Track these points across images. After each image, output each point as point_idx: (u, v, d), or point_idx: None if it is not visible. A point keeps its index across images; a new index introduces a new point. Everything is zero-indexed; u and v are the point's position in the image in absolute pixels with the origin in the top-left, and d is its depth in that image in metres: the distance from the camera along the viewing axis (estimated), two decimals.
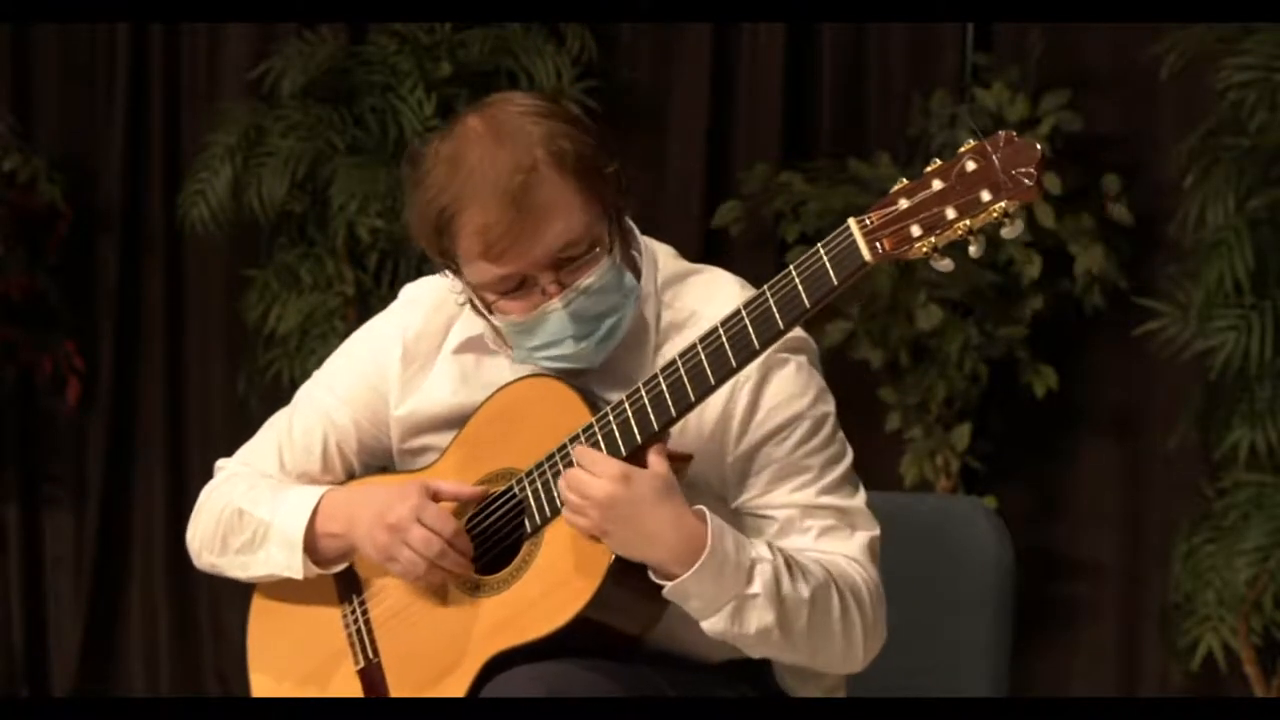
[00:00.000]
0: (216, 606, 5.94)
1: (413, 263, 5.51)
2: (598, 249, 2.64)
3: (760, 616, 2.58)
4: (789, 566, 2.60)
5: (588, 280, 2.64)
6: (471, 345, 2.78)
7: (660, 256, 2.76)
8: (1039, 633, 5.34)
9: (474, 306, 2.72)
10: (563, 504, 2.59)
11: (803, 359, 2.70)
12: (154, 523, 5.99)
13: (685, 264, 2.78)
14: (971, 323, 5.25)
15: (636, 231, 2.75)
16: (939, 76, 5.46)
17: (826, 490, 2.67)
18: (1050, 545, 5.40)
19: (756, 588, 2.57)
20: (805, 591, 2.60)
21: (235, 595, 5.95)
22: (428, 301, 2.83)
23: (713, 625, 2.59)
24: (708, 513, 2.58)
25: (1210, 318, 4.89)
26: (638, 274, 2.72)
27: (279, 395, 5.45)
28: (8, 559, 6.03)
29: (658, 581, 2.58)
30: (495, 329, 2.73)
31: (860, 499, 2.70)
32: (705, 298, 2.72)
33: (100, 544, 5.99)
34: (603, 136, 2.69)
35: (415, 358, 2.81)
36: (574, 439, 2.63)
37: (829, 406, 2.70)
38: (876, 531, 2.69)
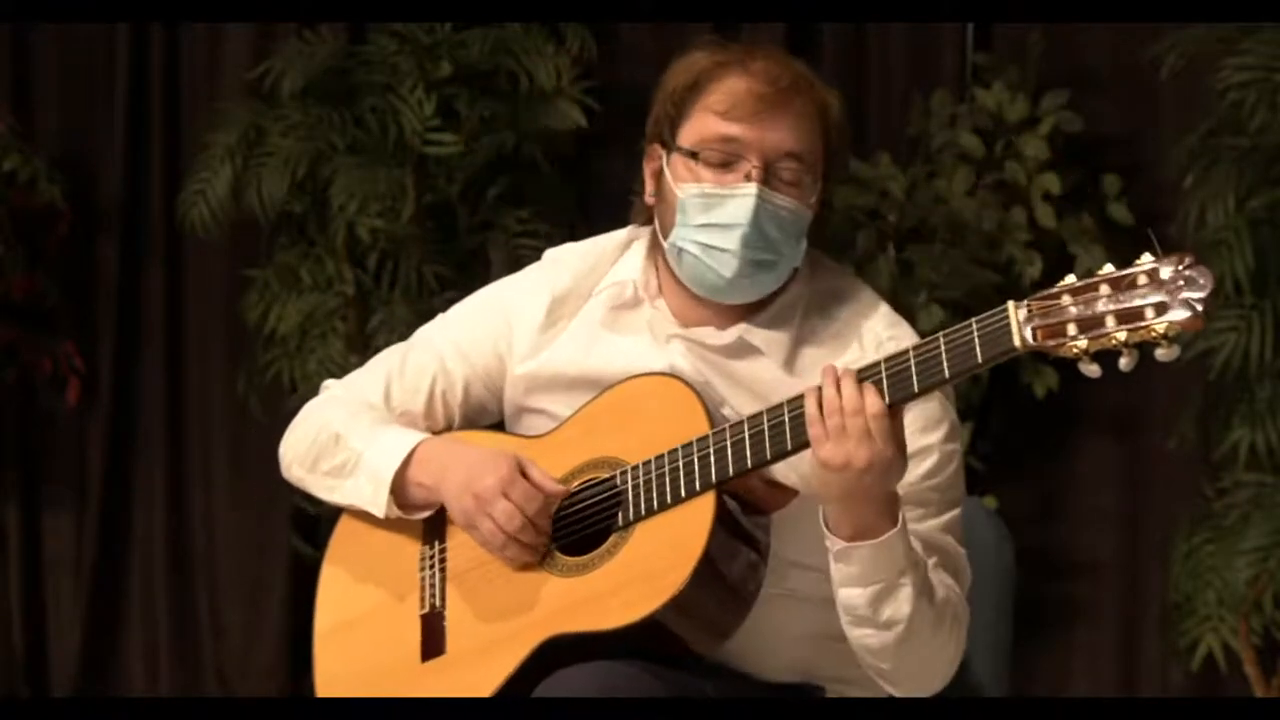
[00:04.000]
0: (216, 606, 5.93)
1: (413, 263, 5.51)
2: (802, 188, 2.72)
3: (898, 607, 2.60)
4: (931, 580, 2.64)
5: (784, 199, 2.71)
6: (619, 293, 2.82)
7: (814, 258, 2.81)
8: (1039, 633, 5.34)
9: (658, 190, 2.78)
10: (824, 411, 2.56)
11: (941, 395, 2.72)
12: (154, 523, 5.98)
13: (840, 269, 2.85)
14: None
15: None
16: (939, 76, 5.46)
17: (944, 529, 2.71)
18: (1050, 545, 5.40)
19: (908, 580, 2.59)
20: (937, 601, 2.64)
21: (235, 595, 5.98)
22: (576, 265, 2.88)
23: (852, 597, 2.61)
24: (916, 494, 2.63)
25: (1210, 318, 4.88)
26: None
27: (279, 395, 5.46)
28: (8, 559, 6.02)
29: (830, 537, 2.58)
30: (657, 214, 2.77)
31: (963, 550, 2.73)
32: (851, 309, 2.78)
33: (100, 544, 5.98)
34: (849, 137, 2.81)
35: (559, 319, 2.85)
36: (686, 448, 2.65)
37: (958, 445, 2.74)
38: (970, 580, 2.74)
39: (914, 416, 2.67)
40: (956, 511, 2.72)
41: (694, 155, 2.73)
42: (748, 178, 2.70)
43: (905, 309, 5.20)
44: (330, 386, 2.97)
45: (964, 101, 5.37)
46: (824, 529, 2.60)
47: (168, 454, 5.99)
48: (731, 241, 2.70)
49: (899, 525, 2.57)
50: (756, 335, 2.75)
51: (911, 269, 5.25)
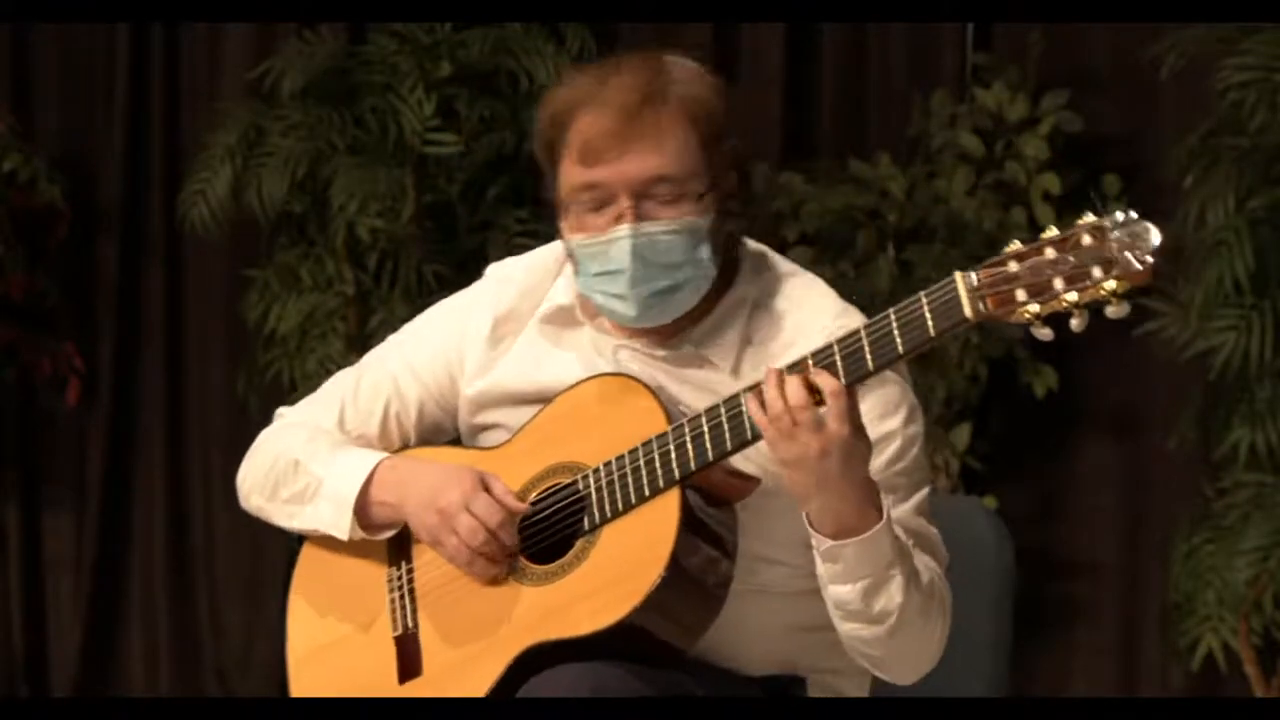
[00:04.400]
0: (216, 606, 5.94)
1: (413, 263, 5.51)
2: (686, 202, 2.67)
3: (890, 598, 2.59)
4: (916, 566, 2.63)
5: (662, 224, 2.67)
6: (558, 315, 2.80)
7: (758, 255, 2.78)
8: (1039, 633, 5.34)
9: (560, 232, 2.74)
10: (768, 416, 2.54)
11: (898, 378, 2.71)
12: (154, 523, 5.98)
13: (785, 262, 2.81)
14: None
15: (744, 239, 2.77)
16: (939, 76, 5.46)
17: (915, 511, 2.69)
18: (1050, 545, 5.40)
19: (897, 570, 2.58)
20: (924, 586, 2.62)
21: (235, 595, 5.98)
22: (520, 282, 2.86)
23: (842, 593, 2.59)
24: (882, 480, 2.60)
25: (1210, 318, 4.89)
26: (730, 270, 2.73)
27: (279, 395, 5.45)
28: (8, 559, 6.03)
29: (815, 536, 2.57)
30: (571, 254, 2.74)
31: (936, 530, 2.71)
32: (798, 301, 2.75)
33: (100, 544, 5.99)
34: (735, 115, 2.75)
35: (504, 337, 2.83)
36: (646, 447, 2.63)
37: (920, 427, 2.72)
38: (946, 559, 2.72)
39: (872, 404, 2.65)
40: (925, 492, 2.71)
41: (567, 209, 2.71)
42: (619, 219, 2.67)
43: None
44: (284, 414, 2.95)
45: (964, 101, 5.37)
46: (809, 529, 2.59)
47: (168, 454, 5.99)
48: (620, 286, 2.67)
49: (885, 519, 2.56)
50: (702, 344, 2.73)
51: (911, 269, 5.25)
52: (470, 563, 2.70)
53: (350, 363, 3.02)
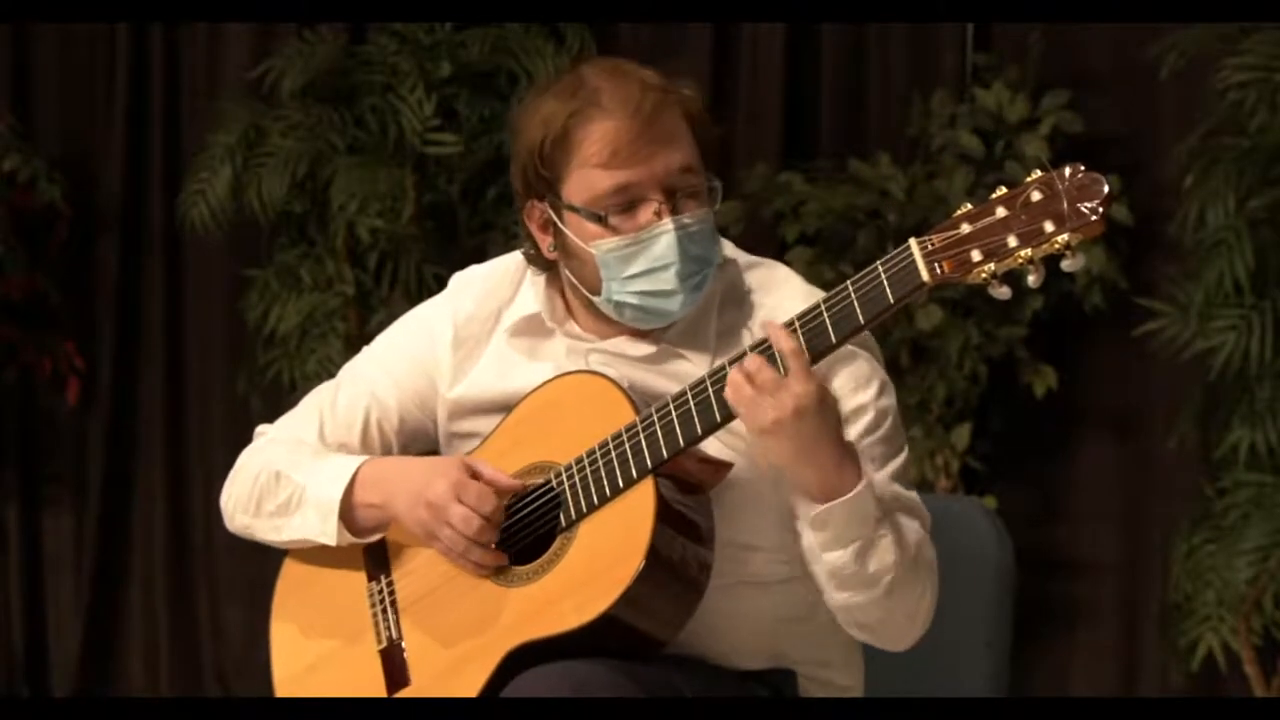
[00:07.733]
0: (216, 606, 5.94)
1: (413, 263, 5.51)
2: (701, 195, 2.70)
3: (882, 558, 2.61)
4: (900, 526, 2.65)
5: (694, 217, 2.69)
6: (527, 326, 2.80)
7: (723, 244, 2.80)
8: (1039, 633, 5.34)
9: (559, 245, 2.73)
10: (734, 393, 2.56)
11: (867, 354, 2.73)
12: (154, 523, 5.99)
13: (745, 254, 2.82)
14: (971, 323, 5.25)
15: None
16: (939, 76, 5.47)
17: (893, 478, 2.70)
18: (1050, 545, 5.41)
19: (885, 529, 2.61)
20: (910, 545, 2.64)
21: (235, 594, 5.98)
22: (479, 287, 2.85)
23: (836, 559, 2.61)
24: (859, 451, 2.61)
25: (1210, 318, 4.90)
26: None
27: (279, 395, 5.46)
28: (8, 559, 6.03)
29: (803, 503, 2.59)
30: (569, 283, 2.73)
31: (915, 493, 2.73)
32: (765, 289, 2.76)
33: (100, 544, 5.99)
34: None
35: (465, 341, 2.82)
36: (616, 439, 2.64)
37: (892, 400, 2.73)
38: (929, 521, 2.74)
39: (844, 379, 2.68)
40: (902, 458, 2.72)
41: (597, 216, 2.69)
42: (658, 215, 2.67)
43: (905, 308, 5.20)
44: (264, 431, 2.94)
45: (964, 101, 5.37)
46: (796, 498, 2.61)
47: (168, 454, 5.99)
48: (669, 281, 2.68)
49: (866, 478, 2.58)
50: (678, 342, 2.74)
51: None
52: (466, 552, 2.70)
53: None
